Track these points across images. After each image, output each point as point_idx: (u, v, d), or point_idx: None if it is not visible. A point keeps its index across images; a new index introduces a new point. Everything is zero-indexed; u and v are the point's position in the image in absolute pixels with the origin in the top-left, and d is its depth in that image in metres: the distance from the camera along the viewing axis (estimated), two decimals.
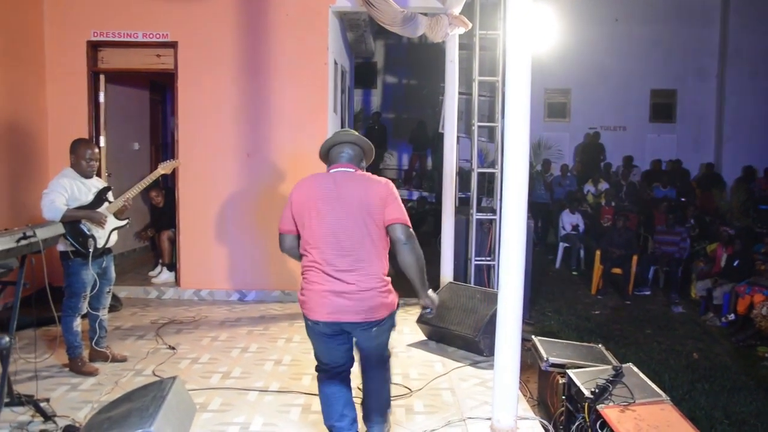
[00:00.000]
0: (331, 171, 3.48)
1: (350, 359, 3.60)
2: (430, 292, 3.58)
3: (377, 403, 3.65)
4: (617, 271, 9.38)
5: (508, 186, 3.73)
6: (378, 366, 3.60)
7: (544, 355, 4.71)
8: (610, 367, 4.32)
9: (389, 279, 3.40)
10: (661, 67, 15.74)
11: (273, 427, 4.00)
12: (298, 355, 5.38)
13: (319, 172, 3.54)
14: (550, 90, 15.87)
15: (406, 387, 4.66)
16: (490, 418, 3.89)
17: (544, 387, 4.89)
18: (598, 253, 9.45)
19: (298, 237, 3.46)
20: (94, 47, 7.31)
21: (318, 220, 3.34)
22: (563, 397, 4.34)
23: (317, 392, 3.75)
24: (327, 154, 3.58)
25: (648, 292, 9.43)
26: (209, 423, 4.03)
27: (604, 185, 12.97)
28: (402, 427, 4.01)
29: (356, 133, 3.67)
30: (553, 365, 4.66)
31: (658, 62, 15.70)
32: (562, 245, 10.96)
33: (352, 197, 3.33)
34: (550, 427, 4.27)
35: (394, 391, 4.52)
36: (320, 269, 3.33)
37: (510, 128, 3.71)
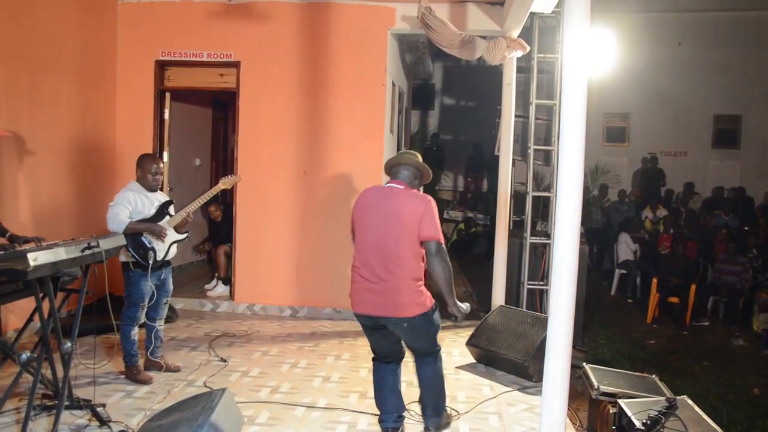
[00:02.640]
0: (386, 185, 3.99)
1: (397, 352, 4.10)
2: (459, 303, 3.93)
3: (427, 395, 4.07)
4: (674, 300, 9.13)
5: (561, 210, 3.69)
6: (423, 360, 4.01)
7: (595, 384, 4.62)
8: (663, 398, 4.22)
9: (421, 283, 3.81)
10: (726, 91, 15.28)
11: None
12: (346, 372, 5.42)
13: (378, 185, 4.07)
14: (609, 114, 15.67)
15: (453, 409, 4.64)
16: None
17: (594, 416, 4.79)
18: (654, 280, 9.23)
19: None
20: (161, 66, 7.60)
21: (364, 227, 3.88)
22: (613, 428, 4.25)
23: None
24: (389, 170, 4.06)
25: (706, 323, 9.13)
26: None
27: (662, 212, 12.68)
28: None
29: (416, 158, 4.05)
30: (604, 394, 4.57)
31: (722, 87, 15.25)
32: (618, 272, 10.75)
33: (394, 210, 3.79)
34: None
35: None
36: (359, 272, 3.86)
37: (564, 152, 3.68)
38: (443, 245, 3.80)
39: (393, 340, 4.01)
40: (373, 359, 4.18)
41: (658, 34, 14.79)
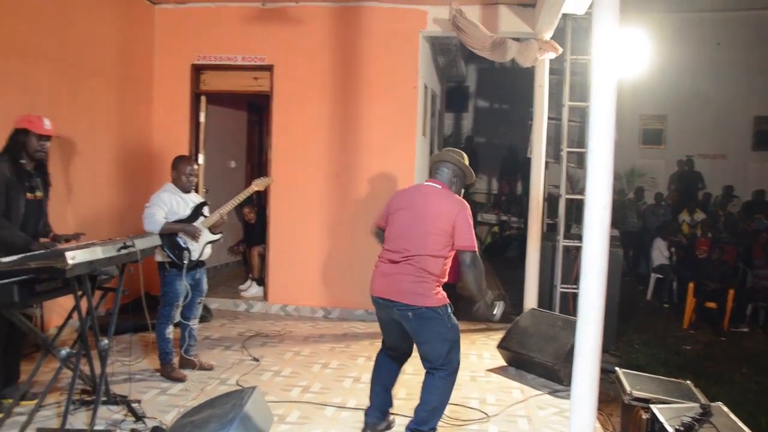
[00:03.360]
0: (424, 183, 4.07)
1: (402, 347, 4.12)
2: (491, 303, 4.01)
3: (422, 408, 3.92)
4: (711, 305, 8.97)
5: (589, 212, 3.67)
6: (433, 372, 3.90)
7: (628, 389, 4.57)
8: (697, 404, 4.16)
9: (435, 279, 3.82)
10: (767, 92, 15.01)
11: None
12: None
13: (417, 184, 4.17)
14: (645, 116, 15.47)
15: (482, 412, 4.64)
16: None
17: (627, 421, 4.73)
18: (691, 285, 9.08)
19: (382, 230, 4.09)
20: (197, 70, 7.74)
21: (395, 220, 3.97)
22: None
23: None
24: (431, 168, 4.16)
25: (745, 329, 8.96)
26: None
27: (700, 215, 12.47)
28: None
29: (459, 156, 4.07)
30: (637, 399, 4.51)
31: (763, 88, 14.90)
32: (654, 276, 10.60)
33: (426, 209, 3.85)
34: None
35: (469, 414, 4.57)
36: (382, 259, 3.98)
37: (593, 153, 3.67)
38: (477, 254, 3.83)
39: (402, 335, 3.99)
40: (380, 349, 4.25)
41: (696, 34, 14.56)
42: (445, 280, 3.95)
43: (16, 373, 4.59)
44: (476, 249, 3.81)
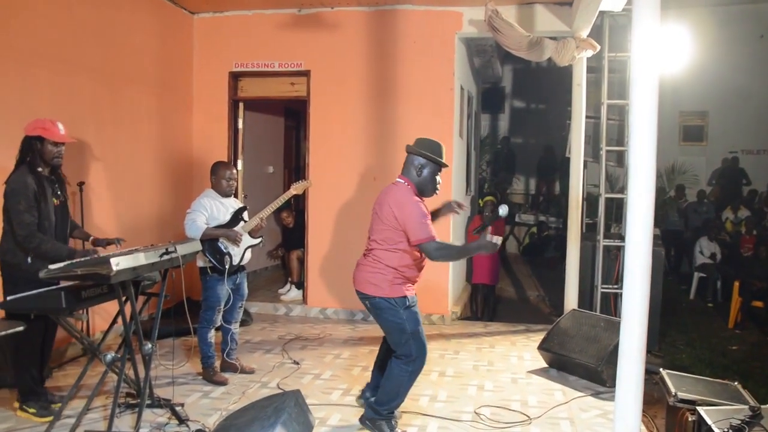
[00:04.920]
0: (395, 179, 4.19)
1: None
2: (485, 248, 3.86)
3: (381, 390, 4.12)
4: (758, 304, 8.76)
5: (632, 211, 3.63)
6: (394, 357, 4.06)
7: (673, 390, 4.49)
8: (746, 407, 4.07)
9: (393, 270, 3.97)
10: None
11: None
12: None
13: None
14: (685, 113, 15.16)
15: (524, 414, 4.60)
16: None
17: (672, 424, 4.65)
18: (737, 284, 8.88)
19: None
20: (235, 77, 7.84)
21: (371, 217, 4.17)
22: None
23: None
24: None
25: None
26: None
27: (744, 212, 12.19)
28: None
29: (420, 144, 4.16)
30: (683, 401, 4.42)
31: None
32: (697, 275, 10.40)
33: (382, 206, 4.04)
34: None
35: (512, 417, 4.55)
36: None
37: (635, 152, 3.62)
38: (435, 241, 3.88)
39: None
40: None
41: (738, 27, 14.19)
42: (417, 275, 4.10)
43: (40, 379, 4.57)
44: (433, 237, 3.86)
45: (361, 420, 4.23)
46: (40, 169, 4.18)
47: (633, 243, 3.63)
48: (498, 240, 3.81)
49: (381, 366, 4.37)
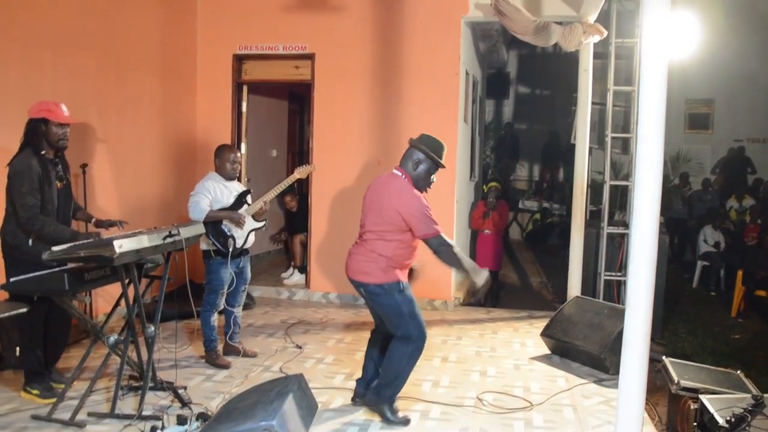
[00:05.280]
0: (392, 170, 4.20)
1: (381, 323, 4.27)
2: (475, 274, 4.02)
3: (383, 372, 4.16)
4: (761, 293, 8.73)
5: (639, 200, 3.58)
6: (396, 339, 4.11)
7: (675, 378, 4.48)
8: (749, 395, 4.06)
9: (386, 259, 4.01)
10: None
11: (391, 431, 4.06)
12: (419, 361, 5.37)
13: (388, 173, 4.22)
14: (691, 101, 15.05)
15: (526, 400, 4.60)
16: None
17: (674, 412, 4.65)
18: (740, 273, 8.85)
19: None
20: (239, 60, 7.78)
21: (363, 205, 4.22)
22: (694, 424, 4.11)
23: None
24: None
25: None
26: (330, 421, 4.14)
27: (749, 201, 12.15)
28: None
29: (424, 142, 4.16)
30: (685, 389, 4.42)
31: None
32: (700, 263, 10.36)
33: (380, 197, 4.08)
34: None
35: (514, 403, 4.55)
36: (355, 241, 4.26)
37: (643, 140, 3.58)
38: (441, 236, 3.94)
39: (376, 312, 4.29)
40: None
41: (746, 14, 14.05)
42: (409, 261, 4.15)
43: (57, 360, 4.62)
44: (437, 232, 3.93)
45: (354, 401, 4.37)
46: (44, 152, 4.15)
47: (639, 231, 3.58)
48: (486, 274, 4.04)
49: (374, 359, 4.39)
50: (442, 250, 3.95)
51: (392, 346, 4.11)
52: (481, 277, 4.00)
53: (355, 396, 4.42)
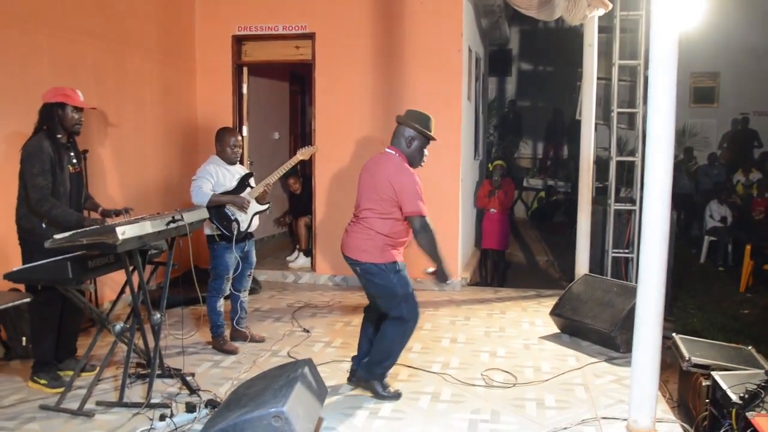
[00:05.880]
0: (384, 149, 4.21)
1: (374, 302, 4.26)
2: (445, 268, 4.12)
3: (374, 350, 4.20)
4: None
5: (650, 175, 3.53)
6: (388, 319, 4.13)
7: (686, 355, 4.45)
8: (762, 371, 4.03)
9: (383, 237, 4.02)
10: None
11: (401, 413, 4.00)
12: (428, 342, 5.41)
13: (380, 153, 4.23)
14: (696, 74, 14.89)
15: (538, 380, 4.56)
16: (626, 419, 3.70)
17: (685, 389, 4.63)
18: (748, 247, 8.80)
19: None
20: (238, 41, 7.68)
21: (358, 185, 4.22)
22: (707, 401, 4.08)
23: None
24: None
25: None
26: (340, 406, 4.10)
27: (756, 175, 12.05)
28: (533, 422, 3.91)
29: (412, 117, 4.16)
30: (696, 366, 4.39)
31: None
32: (707, 239, 10.31)
33: (374, 175, 4.08)
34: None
35: (525, 377, 4.53)
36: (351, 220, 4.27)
37: (653, 113, 3.51)
38: (425, 218, 3.96)
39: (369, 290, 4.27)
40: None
41: None
42: (405, 239, 4.14)
43: (73, 348, 4.67)
44: (423, 213, 3.95)
45: (350, 380, 4.38)
46: (59, 136, 4.19)
47: (650, 206, 3.54)
48: (451, 277, 4.25)
49: (368, 336, 4.40)
50: (424, 233, 3.97)
51: (384, 326, 4.15)
52: (448, 277, 4.15)
53: (351, 375, 4.42)
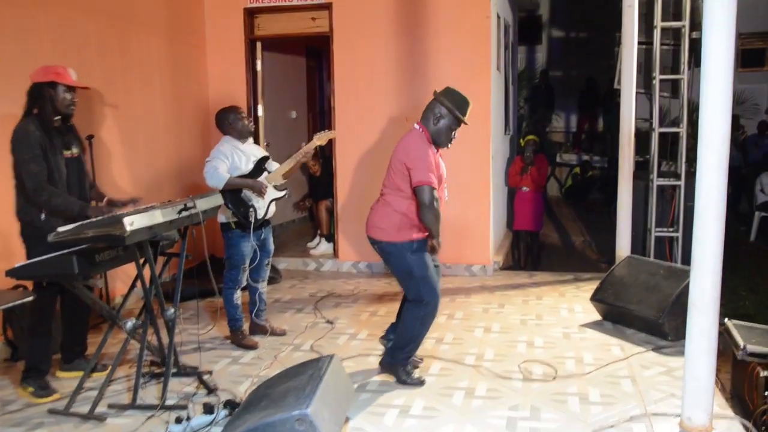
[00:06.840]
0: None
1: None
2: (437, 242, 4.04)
3: (397, 335, 4.17)
4: None
5: (704, 147, 3.28)
6: (409, 302, 4.10)
7: (741, 342, 4.07)
8: None
9: (401, 215, 3.96)
10: None
11: (433, 411, 3.73)
12: (460, 333, 5.10)
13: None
14: (745, 35, 14.05)
15: (580, 372, 4.23)
16: (679, 415, 3.40)
17: (740, 379, 4.26)
18: None
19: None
20: (250, 14, 7.37)
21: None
22: (765, 394, 3.73)
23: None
24: None
25: None
26: (367, 404, 3.83)
27: None
28: (576, 419, 3.59)
29: (445, 95, 4.04)
30: (752, 354, 4.02)
31: None
32: (758, 214, 9.79)
33: (396, 150, 4.06)
34: (753, 429, 3.67)
35: (566, 374, 4.20)
36: None
37: (708, 77, 3.17)
38: (434, 191, 3.88)
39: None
40: None
41: None
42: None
43: (83, 347, 4.47)
44: (430, 182, 3.86)
45: (381, 364, 4.28)
46: (56, 118, 3.97)
47: (705, 181, 3.37)
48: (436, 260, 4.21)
49: (400, 314, 4.37)
50: (431, 209, 3.86)
51: (405, 309, 4.14)
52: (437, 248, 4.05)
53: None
